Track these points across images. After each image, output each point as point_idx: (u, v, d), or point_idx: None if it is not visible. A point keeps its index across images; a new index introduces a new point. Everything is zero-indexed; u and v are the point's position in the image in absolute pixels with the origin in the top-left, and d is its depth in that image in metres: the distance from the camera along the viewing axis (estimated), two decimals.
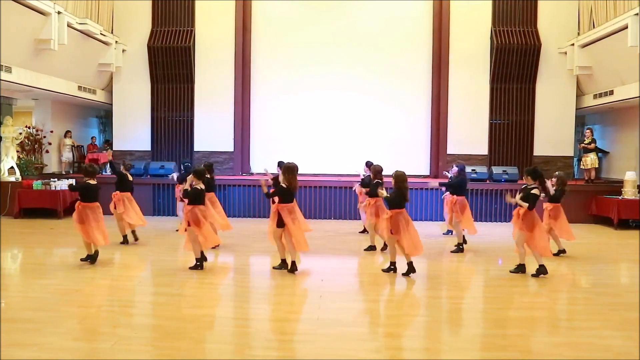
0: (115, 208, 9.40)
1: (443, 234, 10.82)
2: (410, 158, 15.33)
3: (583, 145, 13.89)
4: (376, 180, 8.73)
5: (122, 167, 9.88)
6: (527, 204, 7.21)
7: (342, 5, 15.79)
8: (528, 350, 4.75)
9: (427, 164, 15.66)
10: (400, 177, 7.32)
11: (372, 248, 9.13)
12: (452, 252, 9.06)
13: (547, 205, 8.79)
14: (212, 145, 15.69)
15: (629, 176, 12.43)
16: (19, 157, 13.81)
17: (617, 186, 12.81)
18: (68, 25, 12.50)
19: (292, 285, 6.83)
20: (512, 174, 13.80)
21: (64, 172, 15.24)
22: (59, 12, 12.15)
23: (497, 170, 14.02)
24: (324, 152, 15.59)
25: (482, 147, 15.55)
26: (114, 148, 16.04)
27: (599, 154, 14.29)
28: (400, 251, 7.34)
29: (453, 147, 15.41)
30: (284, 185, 7.30)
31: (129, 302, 6.15)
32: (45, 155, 14.83)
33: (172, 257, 8.79)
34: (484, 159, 15.43)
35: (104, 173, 15.02)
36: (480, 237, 10.21)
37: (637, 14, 11.33)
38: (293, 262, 7.37)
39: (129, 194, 9.59)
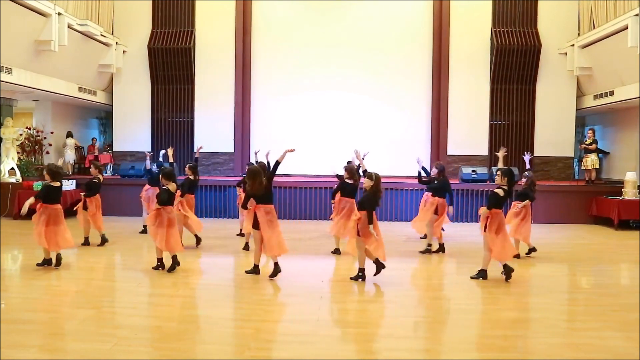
0: (84, 209, 9.18)
1: (421, 237, 10.39)
2: (411, 159, 15.24)
3: (584, 145, 13.89)
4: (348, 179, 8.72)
5: (93, 169, 9.63)
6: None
7: (342, 7, 15.80)
8: (528, 351, 4.74)
9: (427, 165, 15.61)
10: (379, 179, 6.93)
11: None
12: (421, 252, 8.93)
13: (516, 204, 8.54)
14: (213, 146, 15.68)
15: (629, 177, 12.43)
16: (19, 158, 13.81)
17: (617, 187, 12.81)
18: (68, 27, 12.50)
19: (292, 286, 6.83)
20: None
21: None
22: (59, 13, 12.16)
23: (494, 170, 13.98)
24: (324, 153, 15.55)
25: (482, 148, 15.55)
26: (115, 149, 16.05)
27: (599, 154, 14.29)
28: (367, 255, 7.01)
29: (453, 147, 15.42)
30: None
31: (129, 303, 6.15)
32: (45, 157, 14.83)
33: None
34: (484, 160, 15.43)
35: (104, 174, 15.02)
36: (479, 237, 10.17)
37: (637, 15, 11.33)
38: (257, 265, 7.18)
39: (98, 196, 9.42)
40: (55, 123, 15.31)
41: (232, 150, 15.66)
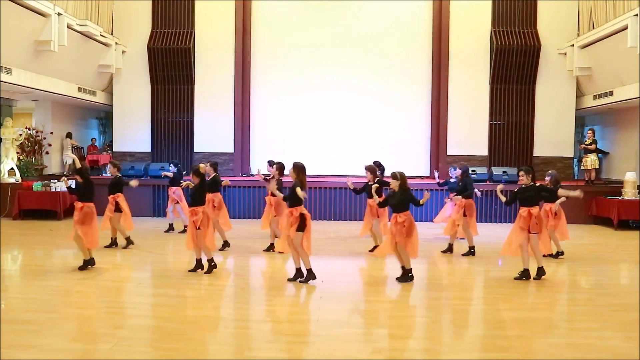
0: (116, 211, 8.99)
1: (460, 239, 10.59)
2: (411, 159, 15.33)
3: (584, 145, 13.90)
4: (377, 180, 8.69)
5: (111, 168, 9.43)
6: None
7: (341, 7, 15.79)
8: (528, 351, 4.74)
9: (427, 165, 15.66)
10: (405, 177, 7.06)
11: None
12: (463, 255, 8.91)
13: (546, 206, 8.58)
14: (212, 146, 15.69)
15: (629, 177, 12.43)
16: (19, 158, 13.81)
17: (617, 187, 12.81)
18: (68, 27, 12.50)
19: (293, 287, 6.83)
20: (512, 175, 13.78)
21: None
22: (59, 14, 12.15)
23: (497, 171, 14.02)
24: (324, 153, 15.57)
25: (482, 148, 15.55)
26: (114, 149, 16.05)
27: (599, 154, 14.29)
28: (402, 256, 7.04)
29: (453, 147, 15.42)
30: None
31: (129, 304, 6.15)
32: (45, 157, 14.82)
33: (171, 258, 8.80)
34: (484, 160, 15.43)
35: (104, 174, 15.04)
36: (480, 237, 10.18)
37: (636, 15, 11.33)
38: (310, 270, 6.88)
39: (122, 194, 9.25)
40: (55, 123, 15.31)
41: (232, 151, 15.65)
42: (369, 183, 8.76)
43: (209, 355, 4.60)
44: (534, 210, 7.08)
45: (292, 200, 6.84)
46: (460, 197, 9.04)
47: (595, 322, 5.54)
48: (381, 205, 7.51)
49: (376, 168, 9.06)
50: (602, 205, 12.57)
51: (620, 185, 12.71)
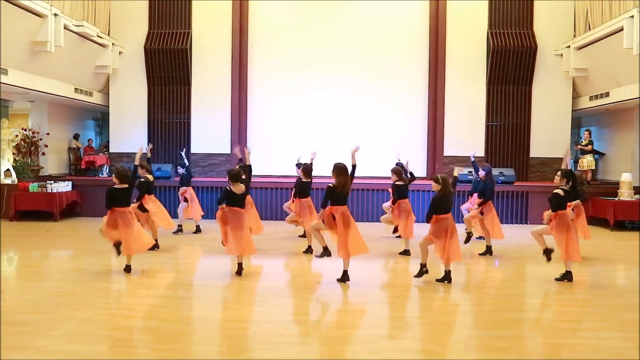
0: (143, 211, 8.88)
1: (476, 238, 10.39)
2: (408, 159, 15.30)
3: (580, 146, 13.94)
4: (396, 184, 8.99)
5: (140, 169, 8.92)
6: None
7: (339, 7, 15.80)
8: (526, 352, 4.75)
9: (424, 166, 15.67)
10: (447, 181, 6.97)
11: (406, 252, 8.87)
12: (480, 254, 9.02)
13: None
14: (209, 147, 15.67)
15: (625, 178, 12.47)
16: (15, 159, 13.75)
17: (613, 187, 12.86)
18: (65, 28, 12.45)
19: (291, 287, 6.82)
20: (509, 176, 13.84)
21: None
22: (55, 14, 12.10)
23: (494, 172, 13.99)
24: (321, 154, 15.47)
25: (478, 149, 15.55)
26: (111, 150, 16.00)
27: (595, 155, 14.33)
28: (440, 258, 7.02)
29: (450, 148, 15.44)
30: (331, 185, 6.90)
31: (127, 305, 6.13)
32: (41, 158, 14.77)
33: (170, 259, 8.76)
34: (481, 161, 15.38)
35: (100, 175, 15.01)
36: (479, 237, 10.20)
37: (632, 16, 11.38)
38: (345, 272, 6.92)
39: (153, 196, 9.13)
40: (51, 124, 15.24)
41: (229, 152, 15.62)
42: (396, 183, 9.09)
43: (206, 356, 4.58)
44: (551, 213, 7.09)
45: (330, 200, 6.89)
46: (478, 204, 9.32)
47: (594, 322, 5.55)
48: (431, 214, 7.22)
49: (402, 170, 9.38)
50: (598, 206, 12.61)
51: (616, 186, 12.75)
